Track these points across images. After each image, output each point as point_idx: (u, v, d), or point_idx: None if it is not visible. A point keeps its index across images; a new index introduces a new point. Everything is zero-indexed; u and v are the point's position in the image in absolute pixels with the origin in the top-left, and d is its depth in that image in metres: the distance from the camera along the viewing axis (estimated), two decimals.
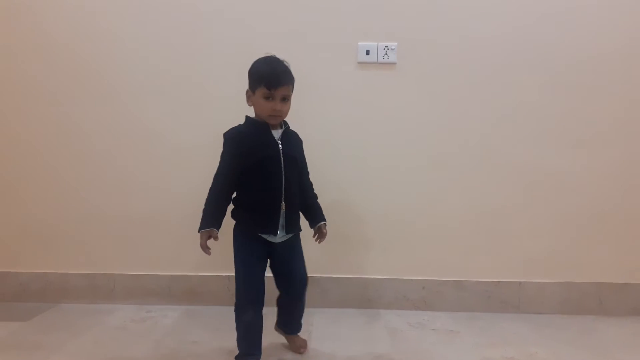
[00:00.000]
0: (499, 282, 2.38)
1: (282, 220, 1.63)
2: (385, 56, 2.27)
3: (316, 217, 1.80)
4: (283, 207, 1.62)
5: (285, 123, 1.72)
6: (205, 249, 1.62)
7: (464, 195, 2.36)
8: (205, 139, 2.33)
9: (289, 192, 1.63)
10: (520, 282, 2.38)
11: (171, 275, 2.41)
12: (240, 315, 1.66)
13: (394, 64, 2.29)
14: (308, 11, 2.27)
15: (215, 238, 1.62)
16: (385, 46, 2.27)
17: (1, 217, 2.41)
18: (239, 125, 1.70)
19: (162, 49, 2.31)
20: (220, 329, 2.15)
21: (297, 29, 2.26)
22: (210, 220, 1.61)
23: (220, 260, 2.38)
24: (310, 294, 1.69)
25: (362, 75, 2.29)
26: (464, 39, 2.27)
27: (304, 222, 1.80)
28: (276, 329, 1.93)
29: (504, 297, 2.38)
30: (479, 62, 2.28)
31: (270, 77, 1.58)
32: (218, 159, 2.33)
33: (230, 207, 1.68)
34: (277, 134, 1.65)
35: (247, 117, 1.70)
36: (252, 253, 1.66)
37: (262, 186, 1.61)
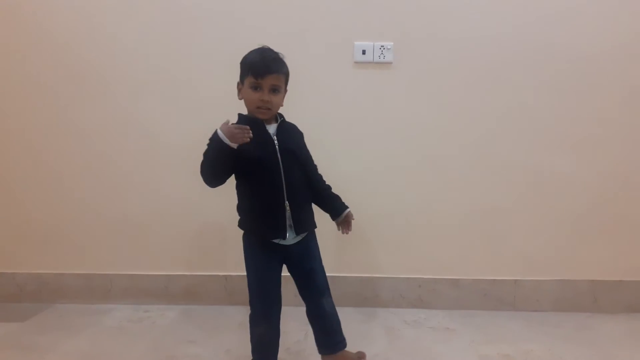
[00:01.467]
0: (494, 280, 2.39)
1: (289, 221, 1.51)
2: (382, 56, 2.28)
3: (336, 207, 1.66)
4: (287, 207, 1.50)
5: (281, 116, 1.59)
6: (237, 128, 1.36)
7: (459, 194, 2.37)
8: (203, 139, 2.34)
9: (291, 190, 1.50)
10: (515, 280, 2.39)
11: (168, 275, 2.41)
12: (253, 327, 1.58)
13: (390, 63, 2.29)
14: (304, 11, 2.27)
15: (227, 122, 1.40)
16: (381, 46, 2.27)
17: None
18: (232, 123, 1.54)
19: (161, 50, 2.30)
20: (217, 328, 2.16)
21: (293, 29, 2.26)
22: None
23: (217, 260, 2.41)
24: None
25: (358, 74, 2.30)
26: (460, 39, 2.28)
27: (320, 219, 1.69)
28: (321, 355, 1.69)
29: (499, 295, 2.40)
30: (475, 61, 2.29)
31: (257, 65, 1.46)
32: None
33: (236, 217, 1.57)
34: (272, 129, 1.52)
35: (239, 114, 1.58)
36: (263, 262, 1.55)
37: (261, 188, 1.50)
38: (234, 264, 2.39)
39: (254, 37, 2.25)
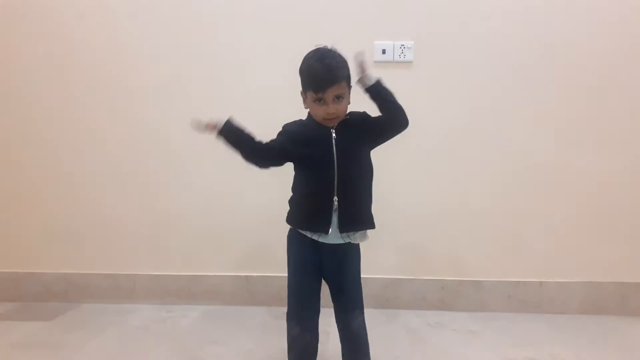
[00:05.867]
0: (518, 282, 2.35)
1: (334, 218, 1.45)
2: (402, 55, 2.26)
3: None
4: (335, 202, 1.45)
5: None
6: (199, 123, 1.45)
7: (482, 194, 2.33)
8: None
9: (343, 186, 1.45)
10: (540, 282, 2.35)
11: (191, 275, 2.44)
12: (288, 327, 1.55)
13: (411, 62, 2.27)
14: (324, 11, 2.26)
15: (212, 124, 1.47)
16: (402, 45, 2.25)
17: (24, 219, 2.46)
18: (300, 119, 1.55)
19: (177, 52, 2.33)
20: (239, 328, 2.17)
21: (312, 29, 2.26)
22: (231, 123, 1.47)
23: (239, 261, 2.43)
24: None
25: (378, 74, 2.25)
26: (481, 37, 2.25)
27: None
28: None
29: (524, 297, 2.36)
30: (495, 60, 2.26)
31: (317, 79, 1.41)
32: (235, 160, 2.35)
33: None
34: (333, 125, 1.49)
35: (309, 113, 1.54)
36: (302, 261, 1.53)
37: (313, 181, 1.48)
38: (255, 264, 2.41)
39: (271, 38, 2.28)
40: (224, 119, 1.47)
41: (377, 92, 1.51)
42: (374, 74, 1.53)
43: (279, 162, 1.52)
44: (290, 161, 1.52)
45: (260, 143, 1.48)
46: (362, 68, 1.51)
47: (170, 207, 2.41)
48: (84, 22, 2.32)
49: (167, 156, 2.39)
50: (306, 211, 1.52)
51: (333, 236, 1.48)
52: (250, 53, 2.31)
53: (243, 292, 2.43)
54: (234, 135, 1.46)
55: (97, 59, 2.35)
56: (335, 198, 1.46)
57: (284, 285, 1.61)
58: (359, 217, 1.51)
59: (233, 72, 2.32)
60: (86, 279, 2.46)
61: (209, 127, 1.46)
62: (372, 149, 1.57)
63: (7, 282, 2.48)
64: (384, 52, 2.26)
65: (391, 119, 1.51)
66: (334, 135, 1.47)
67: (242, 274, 2.42)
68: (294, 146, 1.47)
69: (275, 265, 2.38)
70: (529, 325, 2.22)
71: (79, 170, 2.42)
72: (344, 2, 2.26)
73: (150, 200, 2.42)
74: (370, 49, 2.26)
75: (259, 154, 1.49)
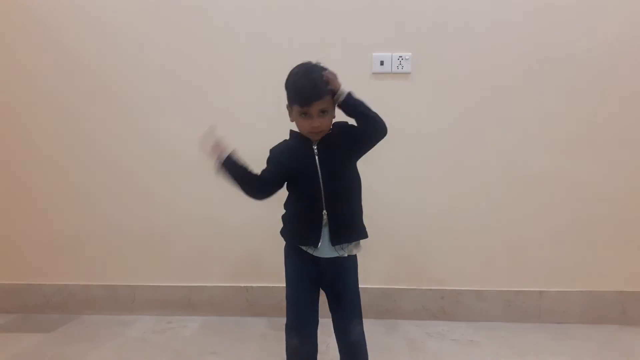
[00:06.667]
0: (519, 291, 2.35)
1: (324, 230, 1.48)
2: (400, 66, 2.28)
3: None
4: (325, 216, 1.47)
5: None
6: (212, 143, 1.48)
7: (482, 203, 2.34)
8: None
9: (331, 199, 1.48)
10: (541, 291, 2.35)
11: (191, 286, 2.44)
12: (287, 338, 1.55)
13: (409, 73, 2.29)
14: (322, 23, 2.29)
15: (218, 147, 1.48)
16: (400, 56, 2.27)
17: (24, 231, 2.47)
18: (285, 140, 1.59)
19: (182, 65, 2.35)
20: (239, 339, 2.16)
21: (311, 41, 2.28)
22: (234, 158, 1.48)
23: (239, 271, 2.43)
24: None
25: (376, 85, 2.30)
26: (478, 48, 2.27)
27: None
28: None
29: (524, 306, 2.35)
30: (493, 70, 2.28)
31: (301, 94, 1.44)
32: None
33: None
34: (315, 141, 1.52)
35: (291, 130, 1.57)
36: (299, 272, 1.55)
37: (302, 196, 1.53)
38: (254, 275, 2.41)
39: (273, 50, 2.30)
40: (226, 153, 1.47)
41: (350, 106, 1.49)
42: (346, 88, 1.49)
43: (272, 192, 1.54)
44: (282, 184, 1.55)
45: (255, 176, 1.50)
46: (332, 85, 1.47)
47: (170, 218, 2.42)
48: (88, 30, 2.35)
49: (166, 167, 2.40)
50: (297, 226, 1.55)
51: (325, 249, 1.50)
52: (252, 64, 2.33)
53: (243, 303, 2.43)
54: (234, 171, 1.48)
55: (99, 70, 2.37)
56: (325, 212, 1.48)
57: (283, 296, 1.61)
58: (349, 229, 1.52)
59: (237, 85, 2.34)
60: (86, 290, 2.46)
61: (216, 149, 1.48)
62: (357, 159, 1.57)
63: (7, 293, 2.48)
64: (382, 63, 2.28)
65: (369, 129, 1.51)
66: (316, 150, 1.49)
67: (242, 285, 2.42)
68: (280, 168, 1.51)
69: (275, 275, 2.37)
70: (529, 335, 2.21)
71: (78, 182, 2.43)
72: (342, 14, 2.28)
73: (150, 211, 2.42)
74: (369, 60, 2.29)
75: (256, 188, 1.52)
